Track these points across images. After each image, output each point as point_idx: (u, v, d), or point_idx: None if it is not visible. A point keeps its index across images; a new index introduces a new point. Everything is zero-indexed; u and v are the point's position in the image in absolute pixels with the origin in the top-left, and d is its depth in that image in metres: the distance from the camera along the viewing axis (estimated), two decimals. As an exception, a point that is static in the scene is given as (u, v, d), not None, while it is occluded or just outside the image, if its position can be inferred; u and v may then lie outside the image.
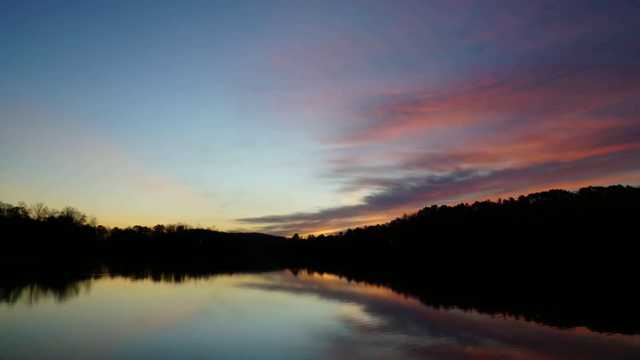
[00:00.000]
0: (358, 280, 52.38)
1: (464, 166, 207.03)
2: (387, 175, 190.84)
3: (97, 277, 49.08)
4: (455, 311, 23.32)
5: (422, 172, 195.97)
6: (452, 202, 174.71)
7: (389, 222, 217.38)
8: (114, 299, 29.66)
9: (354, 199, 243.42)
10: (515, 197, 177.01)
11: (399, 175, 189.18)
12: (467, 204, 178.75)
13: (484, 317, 21.69)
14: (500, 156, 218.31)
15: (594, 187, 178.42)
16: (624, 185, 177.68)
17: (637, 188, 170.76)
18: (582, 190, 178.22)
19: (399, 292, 38.06)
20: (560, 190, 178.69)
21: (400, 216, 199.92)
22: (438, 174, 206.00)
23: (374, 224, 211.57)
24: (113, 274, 56.42)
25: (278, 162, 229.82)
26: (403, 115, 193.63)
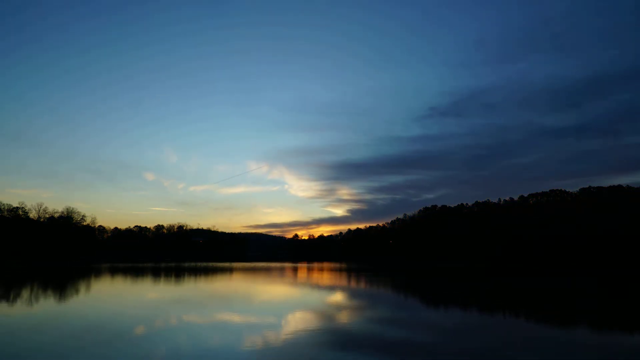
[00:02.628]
0: (357, 278, 53.78)
1: (411, 191, 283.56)
2: (359, 197, 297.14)
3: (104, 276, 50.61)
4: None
5: (386, 195, 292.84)
6: (451, 204, 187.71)
7: (387, 223, 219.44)
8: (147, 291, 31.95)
9: (340, 210, 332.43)
10: (515, 197, 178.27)
11: (368, 197, 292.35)
12: (467, 204, 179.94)
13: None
14: (434, 188, 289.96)
15: (593, 187, 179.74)
16: (624, 185, 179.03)
17: (637, 188, 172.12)
18: (582, 190, 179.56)
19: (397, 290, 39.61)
20: (560, 190, 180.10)
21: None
22: (397, 196, 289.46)
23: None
24: (116, 274, 57.77)
25: (279, 191, 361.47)
26: (356, 170, 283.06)
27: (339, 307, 25.98)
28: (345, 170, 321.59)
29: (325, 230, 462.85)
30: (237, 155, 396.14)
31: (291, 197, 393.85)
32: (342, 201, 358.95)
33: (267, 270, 77.04)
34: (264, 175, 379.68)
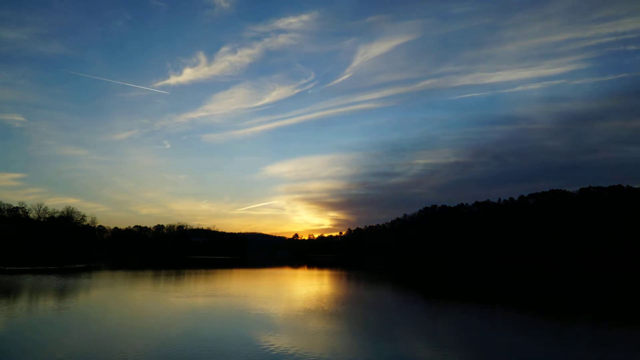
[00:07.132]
0: (352, 275, 65.42)
1: (372, 213, 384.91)
2: (340, 217, 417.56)
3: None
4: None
5: (356, 215, 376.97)
6: (451, 204, 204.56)
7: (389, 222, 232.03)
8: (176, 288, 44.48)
9: (328, 222, 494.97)
10: (515, 197, 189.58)
11: (345, 217, 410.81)
12: (466, 203, 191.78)
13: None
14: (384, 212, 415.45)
15: (594, 187, 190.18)
16: (624, 185, 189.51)
17: (637, 188, 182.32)
18: (582, 190, 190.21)
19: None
20: (560, 190, 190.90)
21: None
22: (363, 216, 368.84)
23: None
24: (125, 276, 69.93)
25: (291, 214, 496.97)
26: (335, 204, 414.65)
27: (328, 288, 39.51)
28: (328, 204, 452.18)
29: (320, 234, 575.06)
30: (267, 196, 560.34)
31: (298, 216, 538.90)
32: (330, 217, 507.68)
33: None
34: (283, 205, 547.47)
